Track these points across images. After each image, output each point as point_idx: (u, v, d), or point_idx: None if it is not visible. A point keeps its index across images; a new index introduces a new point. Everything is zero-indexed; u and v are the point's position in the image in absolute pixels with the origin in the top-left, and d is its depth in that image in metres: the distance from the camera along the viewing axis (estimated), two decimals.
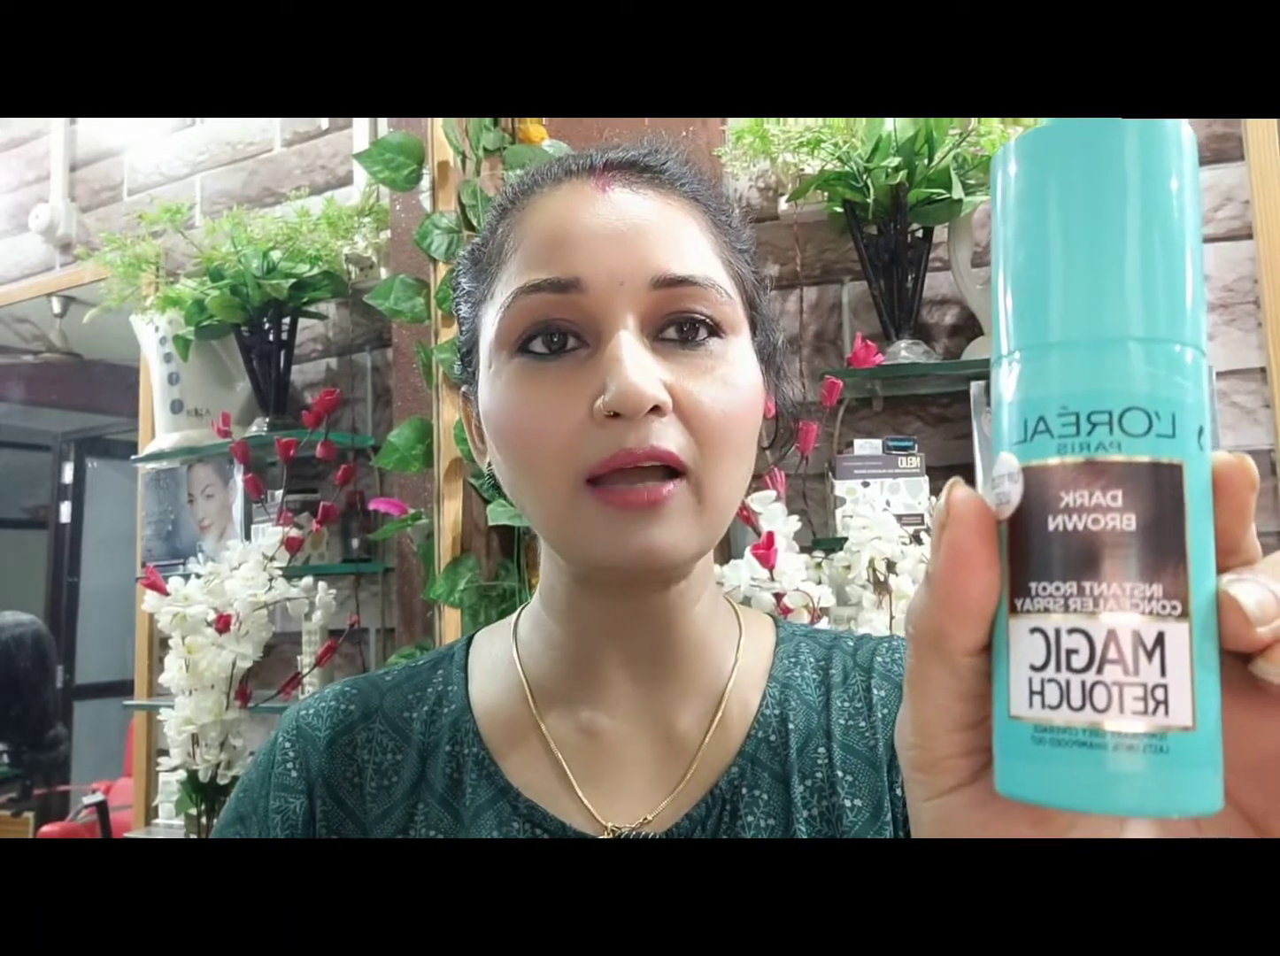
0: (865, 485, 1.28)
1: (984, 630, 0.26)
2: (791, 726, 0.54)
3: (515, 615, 0.60)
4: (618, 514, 0.46)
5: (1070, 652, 0.24)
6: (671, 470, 0.47)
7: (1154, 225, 0.25)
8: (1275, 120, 1.31)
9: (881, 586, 1.18)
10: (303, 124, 1.93)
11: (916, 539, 1.20)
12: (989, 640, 0.26)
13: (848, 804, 0.51)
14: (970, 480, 1.35)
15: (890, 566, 1.18)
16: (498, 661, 0.58)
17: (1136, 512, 0.24)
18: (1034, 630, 0.25)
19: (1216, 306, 1.34)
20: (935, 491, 1.28)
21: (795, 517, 1.22)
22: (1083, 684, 0.24)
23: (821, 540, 1.30)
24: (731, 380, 0.49)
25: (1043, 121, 0.28)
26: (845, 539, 1.21)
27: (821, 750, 0.53)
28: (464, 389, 0.58)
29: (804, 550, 1.25)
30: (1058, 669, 0.24)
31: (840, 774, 0.52)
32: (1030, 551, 0.25)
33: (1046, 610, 0.24)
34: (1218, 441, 1.25)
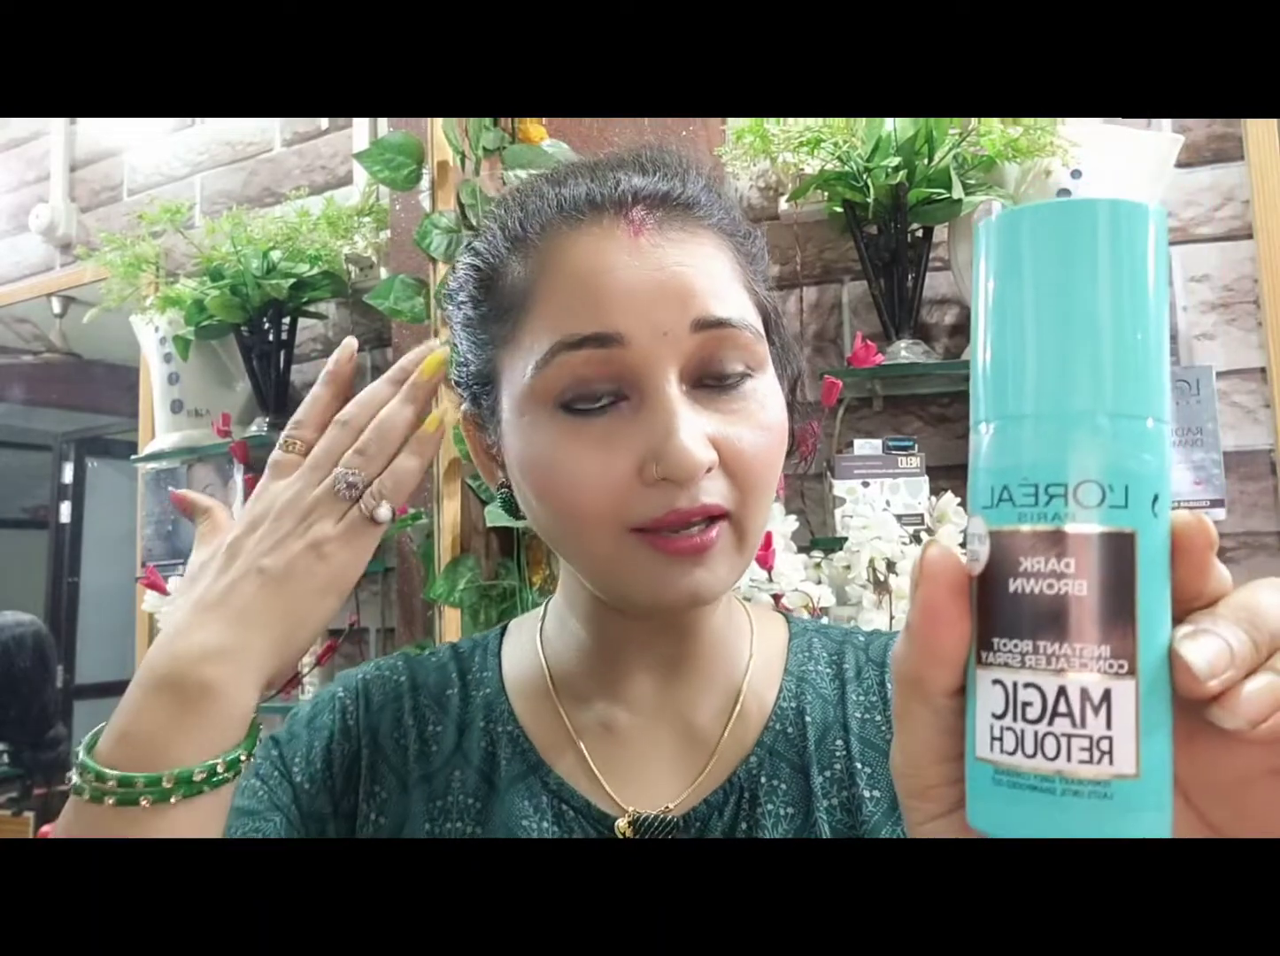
0: (865, 485, 1.28)
1: (958, 675, 0.28)
2: (808, 719, 0.56)
3: (544, 606, 0.62)
4: (665, 559, 0.48)
5: (1025, 705, 0.26)
6: (714, 516, 0.48)
7: (1115, 303, 0.27)
8: (1275, 120, 1.31)
9: (881, 586, 1.18)
10: (303, 124, 1.93)
11: (916, 539, 1.20)
12: (964, 682, 0.28)
13: (866, 794, 0.53)
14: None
15: (890, 566, 1.18)
16: (524, 653, 0.61)
17: (1088, 579, 0.26)
18: (995, 682, 0.27)
19: (1217, 306, 1.34)
20: (935, 491, 1.28)
21: (793, 517, 1.22)
22: (1036, 734, 0.26)
23: (820, 540, 1.30)
24: (764, 421, 0.50)
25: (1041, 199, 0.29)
26: (844, 538, 1.21)
27: (839, 742, 0.55)
28: (468, 410, 0.57)
29: (802, 550, 1.25)
30: (1014, 719, 0.27)
31: (859, 765, 0.54)
32: (994, 609, 0.27)
33: (1006, 664, 0.27)
34: (1217, 442, 1.25)
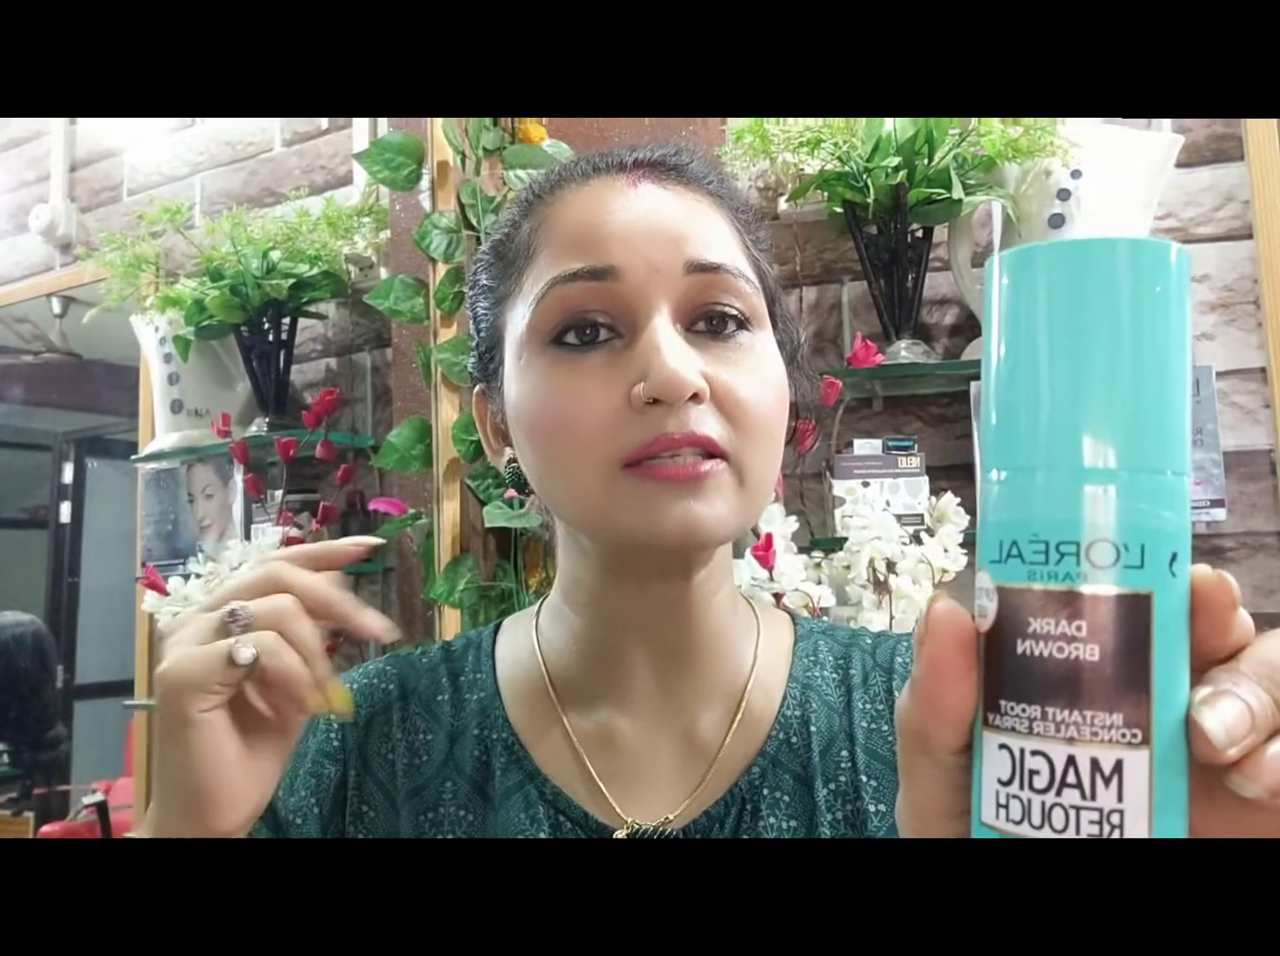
0: (865, 485, 1.28)
1: (963, 732, 0.27)
2: (813, 728, 0.54)
3: (538, 605, 0.60)
4: (657, 488, 0.46)
5: (1032, 773, 0.25)
6: (709, 453, 0.47)
7: (1135, 352, 0.25)
8: (1275, 120, 1.31)
9: (881, 586, 1.18)
10: (303, 124, 1.92)
11: (916, 539, 1.20)
12: (972, 739, 0.27)
13: (872, 809, 0.51)
14: (970, 480, 1.35)
15: (890, 566, 1.18)
16: (520, 652, 0.59)
17: (1100, 644, 0.25)
18: (1002, 746, 0.26)
19: (1217, 306, 1.34)
20: (935, 491, 1.28)
21: (793, 518, 1.22)
22: (1043, 804, 0.25)
23: (820, 540, 1.30)
24: (761, 372, 0.50)
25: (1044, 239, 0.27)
26: (844, 539, 1.21)
27: (845, 753, 0.53)
28: (479, 387, 0.58)
29: (802, 550, 1.25)
30: (1021, 787, 0.25)
31: (864, 778, 0.52)
32: (1001, 670, 0.26)
33: (1013, 729, 0.25)
34: (1217, 442, 1.25)
